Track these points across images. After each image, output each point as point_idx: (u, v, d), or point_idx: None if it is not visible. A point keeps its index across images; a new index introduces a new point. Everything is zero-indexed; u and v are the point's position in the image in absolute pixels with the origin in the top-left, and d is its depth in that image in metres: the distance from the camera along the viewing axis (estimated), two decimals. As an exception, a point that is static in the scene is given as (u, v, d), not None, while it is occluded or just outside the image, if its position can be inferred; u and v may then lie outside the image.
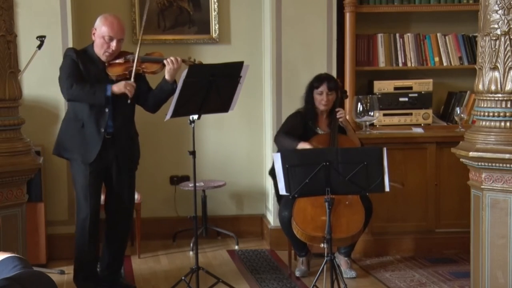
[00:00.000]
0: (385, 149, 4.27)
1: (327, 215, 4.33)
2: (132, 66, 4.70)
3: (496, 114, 3.78)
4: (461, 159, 3.97)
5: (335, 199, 4.49)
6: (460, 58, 6.04)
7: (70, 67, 4.66)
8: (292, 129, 5.19)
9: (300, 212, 4.89)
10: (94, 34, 4.74)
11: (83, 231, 4.78)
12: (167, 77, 4.74)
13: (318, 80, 5.21)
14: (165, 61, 4.72)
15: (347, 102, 5.72)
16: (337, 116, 5.14)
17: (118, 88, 4.64)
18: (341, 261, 5.30)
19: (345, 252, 5.31)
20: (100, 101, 4.64)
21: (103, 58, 4.74)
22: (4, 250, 2.93)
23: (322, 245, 4.44)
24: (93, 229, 4.80)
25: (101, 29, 4.69)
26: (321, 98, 5.18)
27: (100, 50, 4.71)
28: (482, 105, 3.85)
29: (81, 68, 4.67)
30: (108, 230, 4.96)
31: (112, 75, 4.73)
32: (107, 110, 4.69)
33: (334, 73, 5.82)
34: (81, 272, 4.88)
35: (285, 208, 5.08)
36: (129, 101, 4.68)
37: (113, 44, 4.69)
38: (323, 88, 5.16)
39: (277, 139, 5.22)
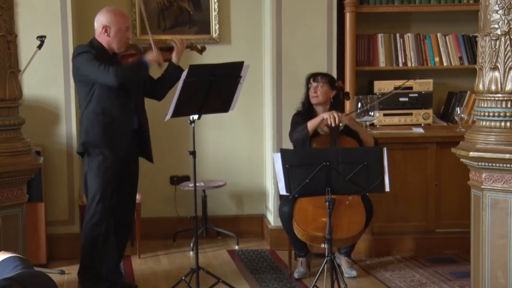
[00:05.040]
0: (385, 149, 4.27)
1: (328, 215, 4.33)
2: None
3: (496, 114, 3.78)
4: (461, 159, 3.97)
5: (336, 199, 4.49)
6: (460, 58, 6.04)
7: (95, 57, 4.56)
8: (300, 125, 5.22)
9: (301, 212, 4.88)
10: (106, 31, 4.65)
11: (97, 234, 4.71)
12: (174, 60, 4.76)
13: (311, 75, 5.23)
14: (173, 43, 4.78)
15: (348, 102, 5.71)
16: (324, 124, 5.09)
17: (152, 56, 4.67)
18: (342, 260, 5.30)
19: (345, 252, 5.31)
20: (146, 70, 4.66)
21: (122, 49, 4.72)
22: (4, 250, 2.93)
23: (322, 245, 4.44)
24: (106, 231, 4.74)
25: (115, 22, 4.65)
26: (313, 91, 5.18)
27: (121, 44, 4.70)
28: (482, 105, 3.86)
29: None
30: (116, 225, 4.88)
31: None
32: (131, 104, 4.72)
33: (334, 73, 5.82)
34: (87, 270, 4.82)
35: (285, 204, 5.07)
36: (159, 68, 4.74)
37: (129, 32, 4.77)
38: (314, 81, 5.17)
39: (291, 137, 5.21)
